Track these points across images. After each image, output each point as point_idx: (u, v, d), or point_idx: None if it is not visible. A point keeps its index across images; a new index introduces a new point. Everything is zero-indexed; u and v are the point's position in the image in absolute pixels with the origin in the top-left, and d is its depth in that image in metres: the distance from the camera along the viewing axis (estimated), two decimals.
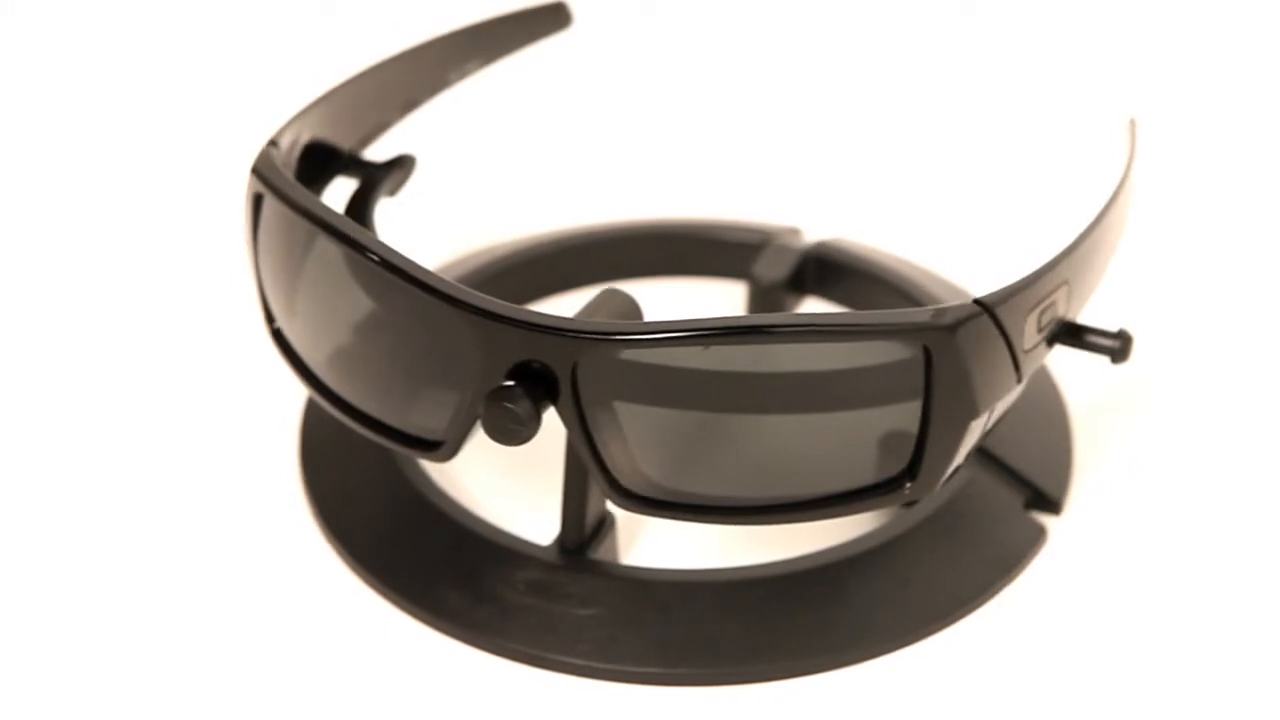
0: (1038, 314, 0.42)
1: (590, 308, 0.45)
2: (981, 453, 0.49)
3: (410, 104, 0.54)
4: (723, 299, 0.58)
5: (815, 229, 0.60)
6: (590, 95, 0.73)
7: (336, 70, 0.50)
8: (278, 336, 0.46)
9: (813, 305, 0.57)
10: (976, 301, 0.41)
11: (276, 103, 0.50)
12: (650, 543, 0.48)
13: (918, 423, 0.41)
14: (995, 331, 0.41)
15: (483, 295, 0.41)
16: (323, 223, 0.43)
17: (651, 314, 0.46)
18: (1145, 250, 0.58)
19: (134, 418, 0.53)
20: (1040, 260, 0.43)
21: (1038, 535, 0.48)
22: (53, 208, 0.65)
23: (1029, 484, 0.49)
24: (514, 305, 0.41)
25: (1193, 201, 0.65)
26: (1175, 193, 0.64)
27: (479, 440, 0.43)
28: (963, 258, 0.60)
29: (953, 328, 0.40)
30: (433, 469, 0.50)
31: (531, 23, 0.58)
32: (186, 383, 0.55)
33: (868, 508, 0.42)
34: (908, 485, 0.42)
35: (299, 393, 0.51)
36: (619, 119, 0.71)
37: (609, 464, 0.42)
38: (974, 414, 0.41)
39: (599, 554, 0.46)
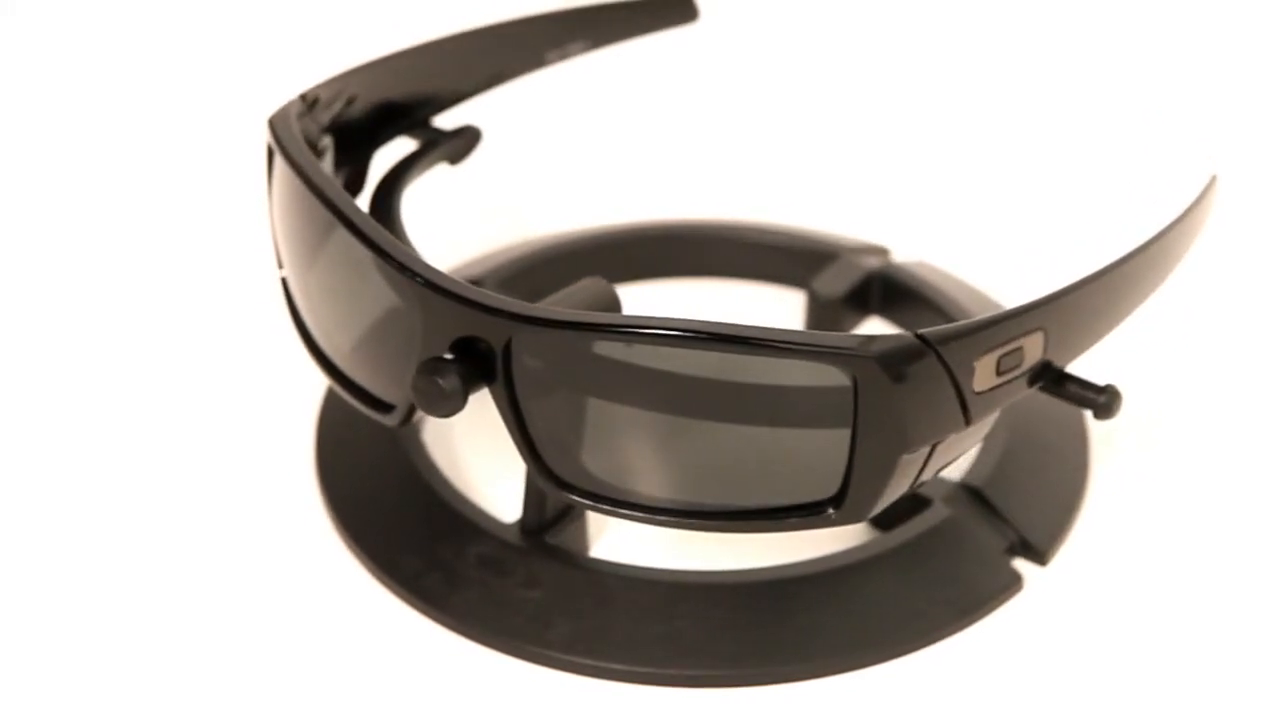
0: (996, 357, 0.42)
1: (561, 295, 0.45)
2: (968, 489, 0.48)
3: (497, 78, 0.54)
4: (776, 307, 0.57)
5: (915, 252, 0.59)
6: (728, 95, 0.73)
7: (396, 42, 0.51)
8: (284, 284, 0.48)
9: (873, 326, 0.57)
10: (918, 335, 0.40)
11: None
12: (628, 537, 0.48)
13: (847, 450, 0.41)
14: (939, 368, 0.40)
15: (432, 267, 0.42)
16: (310, 183, 0.44)
17: (679, 312, 0.46)
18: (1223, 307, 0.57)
19: (161, 398, 0.55)
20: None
21: (1011, 583, 0.47)
22: (63, 205, 0.66)
23: (1015, 529, 0.48)
24: (457, 280, 0.42)
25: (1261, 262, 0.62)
26: (1251, 250, 0.62)
27: (485, 419, 0.44)
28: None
29: (882, 358, 0.39)
30: (438, 443, 0.51)
31: (652, 13, 0.58)
32: (212, 359, 0.57)
33: (792, 527, 0.42)
34: (831, 511, 0.41)
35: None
36: (749, 121, 0.72)
37: (538, 447, 0.42)
38: (904, 448, 0.40)
39: (561, 540, 0.47)
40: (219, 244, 0.63)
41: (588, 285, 0.46)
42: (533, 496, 0.46)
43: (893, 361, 0.39)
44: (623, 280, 0.57)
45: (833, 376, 0.40)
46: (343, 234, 0.43)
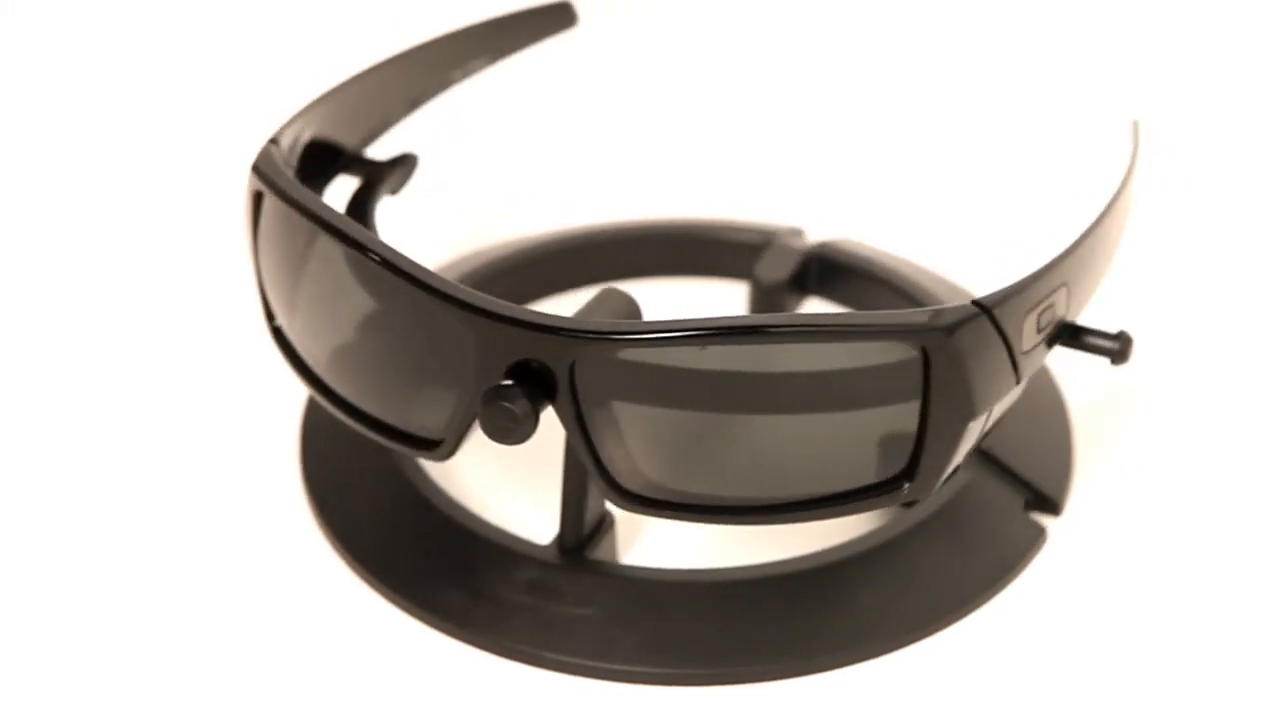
0: (1036, 315, 0.42)
1: (589, 307, 0.45)
2: (981, 454, 0.49)
3: (414, 102, 0.54)
4: (724, 299, 0.57)
5: (818, 230, 0.60)
6: (587, 95, 0.73)
7: (339, 68, 0.50)
8: (278, 334, 0.46)
9: (815, 306, 0.58)
10: (975, 303, 0.41)
11: (279, 100, 0.50)
12: (650, 542, 0.48)
13: (916, 424, 0.41)
14: (994, 333, 0.41)
15: (482, 294, 0.41)
16: (323, 222, 0.43)
17: (652, 314, 0.46)
18: (1146, 251, 0.58)
19: (133, 416, 0.53)
20: (1042, 261, 0.43)
21: (1037, 536, 0.48)
22: (53, 207, 0.65)
23: (1028, 485, 0.49)
24: (512, 304, 0.41)
25: (1194, 202, 0.64)
26: (1178, 193, 0.64)
27: (479, 439, 0.43)
28: (965, 258, 0.60)
29: (950, 329, 0.40)
30: (433, 467, 0.50)
31: (536, 22, 0.58)
32: (186, 381, 0.55)
33: (866, 508, 0.42)
34: (906, 486, 0.42)
35: (299, 390, 0.51)
36: (617, 119, 0.71)
37: (607, 463, 0.42)
38: (972, 415, 0.41)
39: (597, 554, 0.46)
40: (210, 251, 0.61)
41: (611, 295, 0.45)
42: (570, 513, 0.46)
43: (960, 331, 0.40)
44: (569, 288, 0.57)
45: (896, 353, 0.41)
46: (368, 270, 0.42)
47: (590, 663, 0.44)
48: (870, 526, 0.47)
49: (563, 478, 0.45)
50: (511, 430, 0.41)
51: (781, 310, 0.56)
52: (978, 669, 0.45)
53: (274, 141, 0.46)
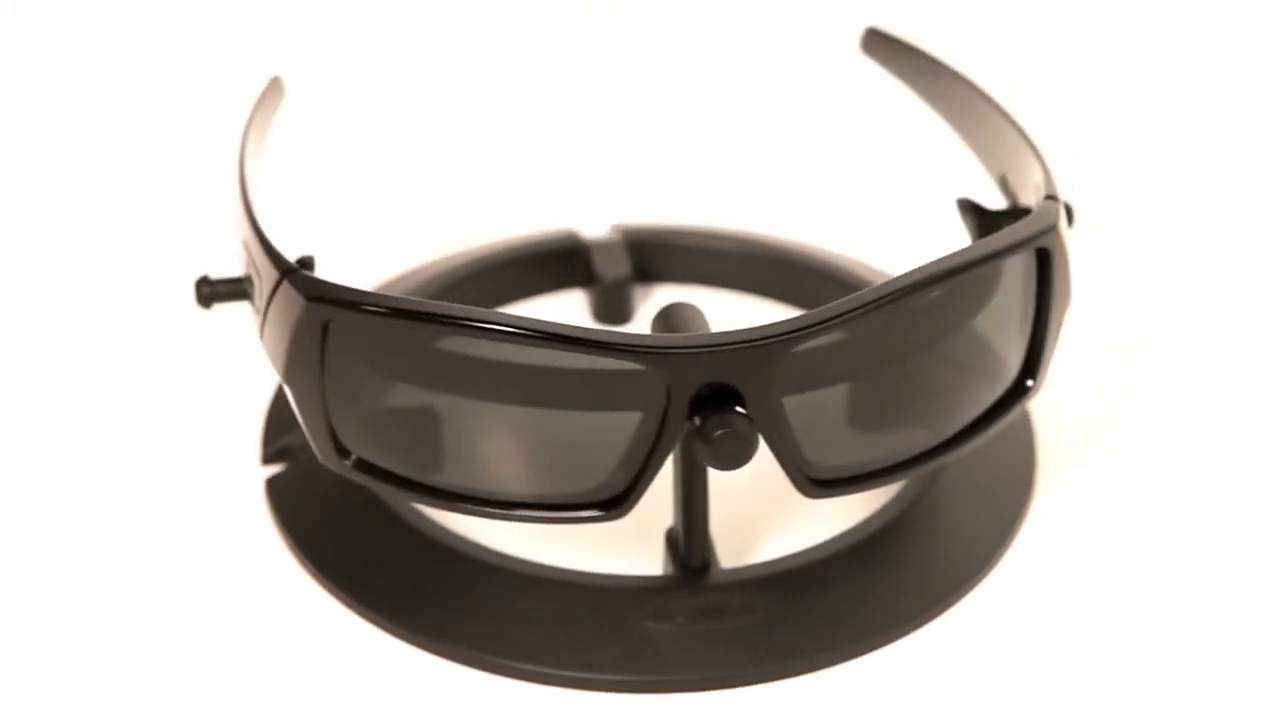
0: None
1: (666, 320, 0.45)
2: None
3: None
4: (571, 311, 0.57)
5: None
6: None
7: None
8: (362, 466, 0.43)
9: (666, 292, 0.58)
10: (1049, 196, 0.44)
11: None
12: (737, 539, 0.48)
13: (1030, 324, 0.44)
14: (1065, 219, 0.44)
15: (659, 334, 0.40)
16: (450, 319, 0.40)
17: None
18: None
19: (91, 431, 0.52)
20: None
21: (1026, 420, 0.51)
22: (46, 208, 0.64)
23: None
24: (692, 334, 0.41)
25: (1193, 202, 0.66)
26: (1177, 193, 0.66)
27: None
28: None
29: (1057, 226, 0.43)
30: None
31: (264, 106, 0.56)
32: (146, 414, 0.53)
33: (1009, 417, 0.45)
34: (1030, 383, 0.44)
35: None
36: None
37: (800, 462, 0.42)
38: (1070, 300, 0.44)
39: (720, 565, 0.46)
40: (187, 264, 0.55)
41: (681, 308, 0.45)
42: (696, 531, 0.45)
43: (1059, 225, 0.43)
44: None
45: (1012, 264, 0.43)
46: (509, 347, 0.41)
47: (787, 665, 0.44)
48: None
49: (683, 497, 0.45)
50: (743, 453, 0.40)
51: (629, 304, 0.57)
52: (1078, 551, 0.48)
53: (305, 265, 0.43)
